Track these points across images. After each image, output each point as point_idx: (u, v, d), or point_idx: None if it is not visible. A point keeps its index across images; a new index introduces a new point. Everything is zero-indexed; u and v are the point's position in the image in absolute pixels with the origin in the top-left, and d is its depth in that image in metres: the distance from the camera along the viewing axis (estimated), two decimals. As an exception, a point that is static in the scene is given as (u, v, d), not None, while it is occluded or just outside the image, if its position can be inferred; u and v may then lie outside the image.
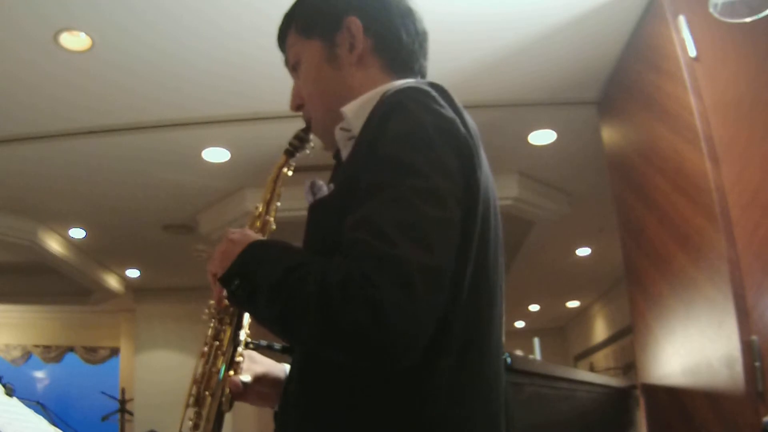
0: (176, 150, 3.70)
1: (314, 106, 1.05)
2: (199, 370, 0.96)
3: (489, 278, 0.88)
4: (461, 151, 0.83)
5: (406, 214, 0.74)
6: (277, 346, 1.03)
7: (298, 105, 1.08)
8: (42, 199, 4.34)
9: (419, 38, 1.06)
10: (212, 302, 0.99)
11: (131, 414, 6.17)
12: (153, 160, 3.79)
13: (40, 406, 4.64)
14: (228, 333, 0.97)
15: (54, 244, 4.99)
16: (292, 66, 1.08)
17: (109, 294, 6.27)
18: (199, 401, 0.93)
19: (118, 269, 6.16)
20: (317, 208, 0.90)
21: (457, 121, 0.86)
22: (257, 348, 1.02)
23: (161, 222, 4.81)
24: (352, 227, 0.76)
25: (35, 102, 3.13)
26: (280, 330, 0.81)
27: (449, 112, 0.86)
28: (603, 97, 3.21)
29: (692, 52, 2.18)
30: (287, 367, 1.03)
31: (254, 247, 0.86)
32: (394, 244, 0.71)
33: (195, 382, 0.95)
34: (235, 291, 0.84)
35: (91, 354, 7.87)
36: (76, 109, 3.21)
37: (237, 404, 1.09)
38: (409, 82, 0.94)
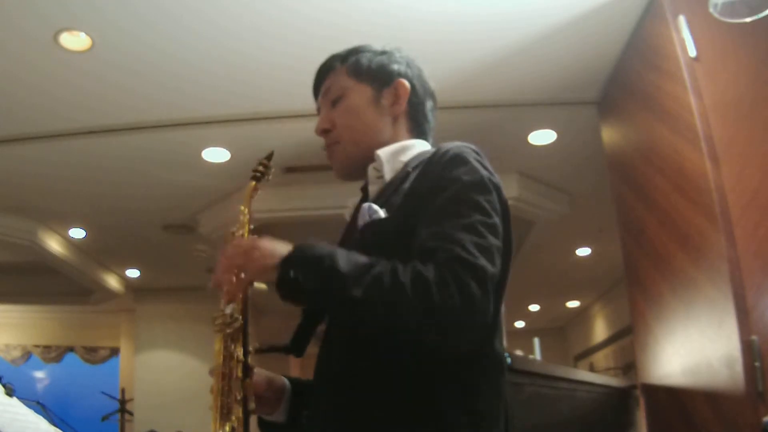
0: (176, 150, 3.71)
1: (349, 134, 1.21)
2: (221, 379, 1.02)
3: (502, 291, 1.05)
4: (503, 205, 1.05)
5: (478, 237, 0.94)
6: (282, 346, 1.11)
7: (324, 129, 1.22)
8: (42, 199, 4.34)
9: (434, 114, 1.29)
10: (220, 314, 1.05)
11: (131, 414, 6.17)
12: (153, 160, 3.79)
13: (40, 406, 4.64)
14: (239, 342, 1.03)
15: (54, 244, 4.99)
16: (334, 98, 1.23)
17: (109, 294, 6.27)
18: (227, 409, 1.00)
19: (118, 269, 6.16)
20: (373, 226, 1.04)
21: (499, 181, 1.07)
22: (266, 351, 1.10)
23: (161, 222, 4.82)
24: (432, 238, 0.94)
25: (35, 102, 3.13)
26: (361, 313, 0.92)
27: (492, 170, 1.08)
28: (603, 97, 3.21)
29: (692, 52, 2.18)
30: (284, 378, 1.16)
31: (307, 246, 0.97)
32: (473, 254, 0.91)
33: (221, 394, 1.01)
34: (295, 281, 0.93)
35: (91, 354, 7.87)
36: (76, 109, 3.21)
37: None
38: (457, 142, 1.11)
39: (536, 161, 3.97)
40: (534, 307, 8.02)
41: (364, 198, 1.21)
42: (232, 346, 1.03)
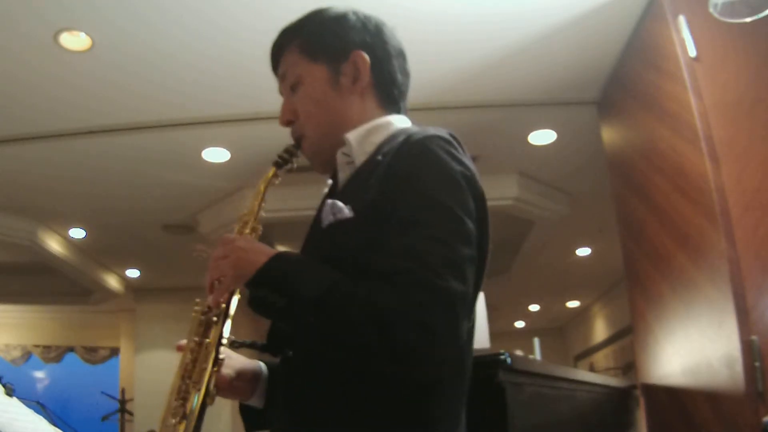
0: (176, 150, 3.71)
1: (311, 126, 1.11)
2: (183, 366, 1.00)
3: (475, 301, 0.99)
4: (477, 197, 0.95)
5: (447, 251, 0.85)
6: (259, 344, 1.08)
7: (288, 120, 1.14)
8: (42, 199, 4.34)
9: (407, 79, 1.17)
10: (200, 300, 1.04)
11: (131, 414, 6.17)
12: (153, 160, 3.79)
13: (40, 406, 4.65)
14: (216, 331, 1.00)
15: (54, 244, 4.99)
16: (291, 84, 1.13)
17: (109, 294, 6.27)
18: (184, 395, 0.97)
19: (118, 269, 6.16)
20: (337, 227, 0.96)
21: (473, 168, 0.97)
22: (241, 346, 1.07)
23: (161, 222, 4.82)
24: (396, 255, 0.85)
25: (35, 102, 3.13)
26: (322, 338, 0.88)
27: (468, 161, 0.97)
28: (603, 97, 3.21)
29: (692, 52, 2.18)
30: (261, 363, 1.13)
31: (281, 259, 0.92)
32: (441, 276, 0.82)
33: (183, 376, 0.99)
34: (264, 298, 0.89)
35: (91, 354, 7.87)
36: (76, 109, 3.21)
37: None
38: (429, 128, 1.02)
39: (536, 161, 3.97)
40: (534, 307, 8.02)
41: (334, 186, 1.12)
42: (208, 333, 1.01)
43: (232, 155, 3.77)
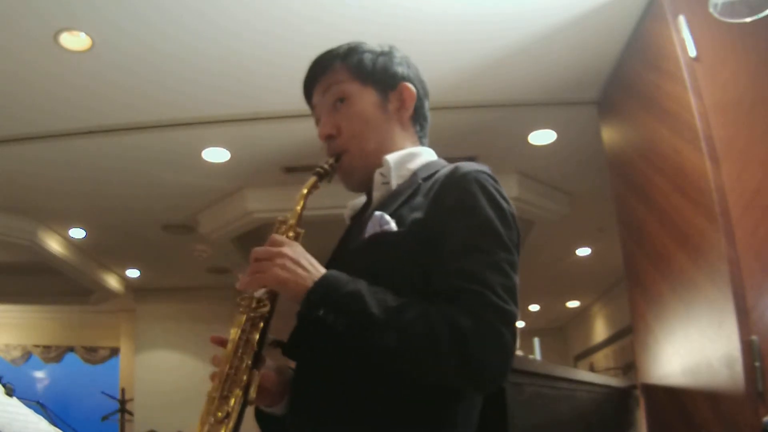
0: (176, 150, 3.71)
1: (357, 143, 1.15)
2: (227, 362, 0.97)
3: None
4: (518, 231, 1.03)
5: (506, 278, 0.93)
6: (283, 343, 1.06)
7: (330, 135, 1.16)
8: (42, 199, 4.34)
9: (429, 117, 1.25)
10: (247, 295, 1.01)
11: (131, 414, 6.17)
12: (153, 160, 3.79)
13: (40, 406, 4.64)
14: (258, 330, 0.98)
15: (54, 244, 4.99)
16: (336, 99, 1.16)
17: (109, 294, 6.27)
18: (226, 393, 0.94)
19: (118, 269, 6.16)
20: (383, 238, 1.00)
21: (512, 204, 1.05)
22: (278, 346, 1.05)
23: (161, 222, 4.82)
24: (457, 276, 0.92)
25: (35, 102, 3.13)
26: (392, 361, 0.91)
27: (507, 196, 1.05)
28: (603, 97, 3.21)
29: (692, 52, 2.18)
30: (289, 368, 1.09)
31: (334, 277, 0.94)
32: (506, 301, 0.91)
33: (227, 375, 0.96)
34: (320, 318, 0.91)
35: (91, 354, 7.87)
36: (76, 109, 3.21)
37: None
38: (472, 164, 1.07)
39: (536, 161, 3.97)
40: (534, 307, 8.02)
41: (368, 204, 1.16)
42: (250, 332, 0.98)
43: (232, 155, 3.77)
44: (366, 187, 1.16)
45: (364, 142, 1.14)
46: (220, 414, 0.91)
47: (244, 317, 0.99)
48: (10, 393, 1.18)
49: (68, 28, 2.60)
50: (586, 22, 2.67)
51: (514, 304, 0.92)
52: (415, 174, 1.10)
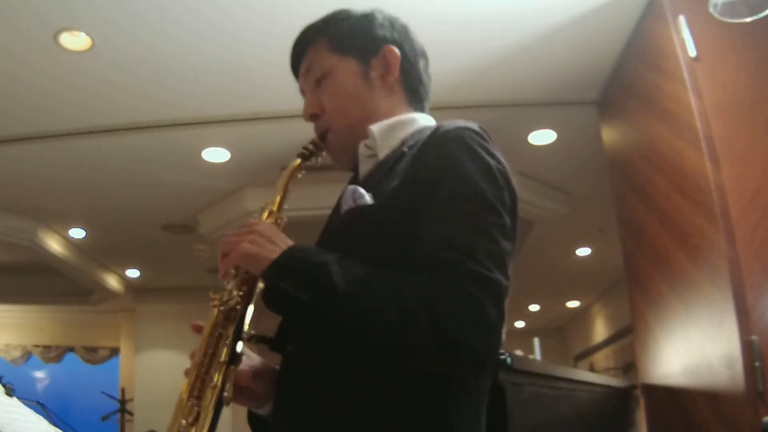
0: (176, 150, 3.71)
1: (340, 119, 1.08)
2: (198, 359, 0.91)
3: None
4: (511, 194, 0.93)
5: (492, 244, 0.83)
6: (269, 338, 0.99)
7: (313, 114, 1.11)
8: (42, 199, 4.34)
9: (430, 81, 1.17)
10: (221, 293, 0.95)
11: (131, 414, 6.17)
12: (153, 160, 3.79)
13: (40, 406, 4.65)
14: (233, 325, 0.92)
15: (54, 244, 4.99)
16: (318, 78, 1.10)
17: (109, 294, 6.27)
18: (199, 392, 0.89)
19: (118, 269, 6.16)
20: (359, 213, 0.93)
21: (506, 164, 0.95)
22: (260, 341, 0.97)
23: (161, 222, 4.81)
24: (435, 245, 0.83)
25: (35, 102, 3.13)
26: (356, 335, 0.83)
27: (501, 156, 0.95)
28: (603, 97, 3.21)
29: (692, 52, 2.18)
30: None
31: (301, 249, 0.88)
32: (488, 268, 0.80)
33: (197, 374, 0.90)
34: (284, 292, 0.85)
35: (91, 354, 7.87)
36: (76, 109, 3.21)
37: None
38: (458, 121, 0.99)
39: (536, 161, 3.97)
40: (534, 307, 8.02)
41: (354, 179, 1.09)
42: (224, 327, 0.92)
43: (232, 155, 3.77)
44: (355, 162, 1.08)
45: (347, 116, 1.07)
46: (190, 417, 0.86)
47: (216, 311, 0.93)
48: (10, 393, 1.18)
49: (68, 28, 2.60)
50: (586, 22, 2.67)
51: (500, 272, 0.81)
52: (403, 143, 1.01)
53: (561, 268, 6.16)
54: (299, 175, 1.10)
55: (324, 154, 1.11)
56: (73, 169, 3.86)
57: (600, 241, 5.29)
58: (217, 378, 0.87)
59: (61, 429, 1.31)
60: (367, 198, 0.93)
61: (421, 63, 1.13)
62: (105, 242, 5.26)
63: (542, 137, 3.68)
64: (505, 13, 2.63)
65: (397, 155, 0.98)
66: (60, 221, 4.80)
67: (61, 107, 3.18)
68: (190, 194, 4.31)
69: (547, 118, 3.52)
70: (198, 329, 0.96)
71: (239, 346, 0.91)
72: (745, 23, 1.75)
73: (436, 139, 0.94)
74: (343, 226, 0.96)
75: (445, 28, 2.67)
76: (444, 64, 2.87)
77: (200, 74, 2.97)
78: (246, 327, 0.93)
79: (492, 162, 0.91)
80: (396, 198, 0.90)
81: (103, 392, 6.22)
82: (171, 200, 4.41)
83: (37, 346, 7.73)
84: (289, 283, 0.85)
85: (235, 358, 0.90)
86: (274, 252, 0.87)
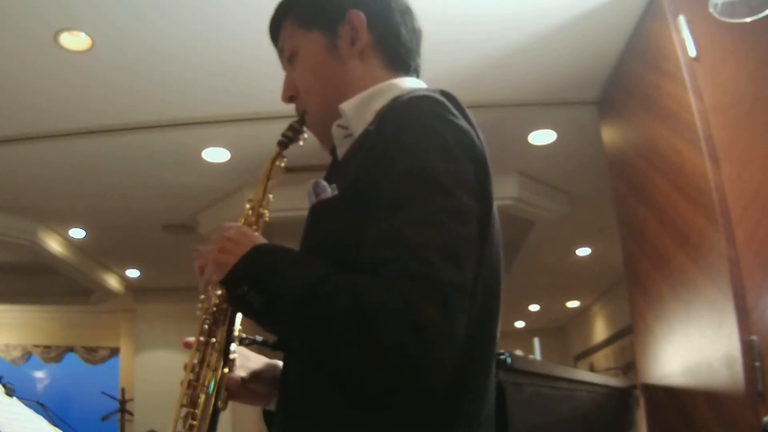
0: (176, 150, 3.71)
1: (311, 98, 1.02)
2: (191, 367, 0.91)
3: (496, 290, 0.88)
4: (478, 163, 0.83)
5: (438, 233, 0.73)
6: (270, 341, 0.97)
7: (290, 96, 1.06)
8: (42, 199, 4.34)
9: (416, 36, 1.07)
10: (204, 297, 0.95)
11: (131, 414, 6.17)
12: (153, 160, 3.79)
13: (40, 406, 4.65)
14: (223, 329, 0.92)
15: (54, 244, 4.99)
16: (288, 57, 1.06)
17: (109, 294, 6.27)
18: (193, 400, 0.88)
19: (118, 269, 6.16)
20: (320, 208, 0.88)
21: (472, 132, 0.86)
22: (252, 344, 0.98)
23: (161, 222, 4.82)
24: (381, 243, 0.74)
25: (35, 102, 3.13)
26: (303, 343, 0.79)
27: (464, 123, 0.86)
28: (603, 97, 3.21)
29: (692, 52, 2.18)
30: (281, 364, 1.00)
31: (261, 251, 0.83)
32: (431, 265, 0.71)
33: (190, 380, 0.90)
34: (242, 297, 0.80)
35: (91, 354, 7.87)
36: (76, 109, 3.21)
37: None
38: (419, 89, 0.93)
39: (536, 161, 3.97)
40: (534, 307, 8.02)
41: (333, 162, 1.01)
42: (215, 331, 0.91)
43: (232, 155, 3.77)
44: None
45: (318, 94, 1.01)
46: (187, 425, 0.86)
47: (202, 318, 0.93)
48: (10, 393, 1.17)
49: (68, 28, 2.60)
50: (586, 22, 2.67)
51: (451, 265, 0.71)
52: (377, 115, 0.90)
53: (561, 268, 6.17)
54: (282, 164, 1.05)
55: (305, 136, 1.05)
56: (73, 169, 3.86)
57: (600, 241, 5.29)
58: (210, 384, 0.87)
59: (61, 429, 1.30)
60: (329, 191, 0.86)
61: (399, 18, 1.03)
62: (105, 242, 5.26)
63: (542, 137, 3.68)
64: (505, 13, 2.63)
65: (364, 134, 0.90)
66: (60, 221, 4.80)
67: (61, 107, 3.18)
68: (190, 194, 4.31)
69: (547, 118, 3.52)
70: (189, 346, 0.95)
71: (231, 350, 0.91)
72: (745, 23, 1.75)
73: (390, 114, 0.85)
74: (310, 224, 0.91)
75: (445, 28, 2.67)
76: (444, 64, 2.87)
77: (200, 74, 2.97)
78: (237, 331, 0.92)
79: (449, 133, 0.81)
80: (353, 189, 0.83)
81: (103, 392, 6.22)
82: (171, 200, 4.41)
83: (37, 346, 7.73)
84: (248, 290, 0.80)
85: (226, 362, 0.89)
86: (237, 258, 0.83)
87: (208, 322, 0.93)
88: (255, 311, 0.80)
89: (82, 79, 2.96)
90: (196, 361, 0.91)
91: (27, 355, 7.72)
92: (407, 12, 1.06)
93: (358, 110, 0.95)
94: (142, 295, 6.67)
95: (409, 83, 1.00)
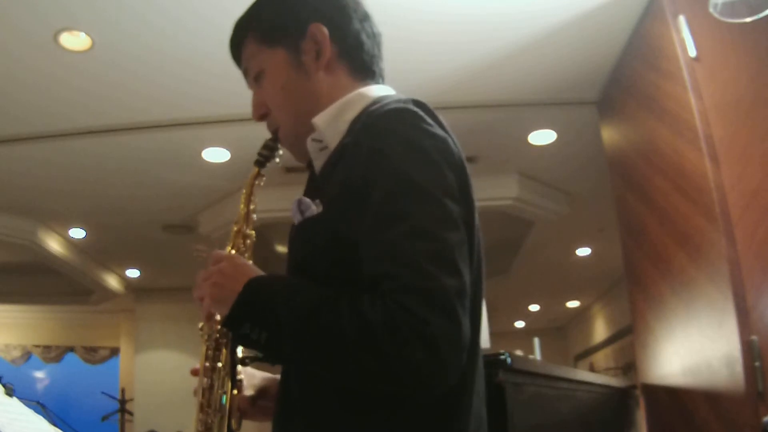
0: (176, 150, 3.71)
1: (283, 116, 1.03)
2: (201, 393, 0.94)
3: (479, 293, 0.90)
4: (457, 169, 0.85)
5: (433, 244, 0.76)
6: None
7: (261, 115, 1.07)
8: (42, 199, 4.34)
9: (377, 41, 1.08)
10: (203, 324, 0.97)
11: (131, 414, 6.17)
12: (153, 160, 3.79)
13: (40, 406, 4.64)
14: (226, 351, 0.95)
15: (54, 244, 4.99)
16: (254, 77, 1.06)
17: (109, 294, 6.27)
18: (207, 426, 0.91)
19: (118, 269, 6.16)
20: (307, 226, 0.89)
21: (449, 138, 0.88)
22: (254, 361, 0.99)
23: (161, 222, 4.82)
24: (377, 259, 0.77)
25: (35, 102, 3.13)
26: (315, 368, 0.81)
27: (440, 131, 0.87)
28: (603, 97, 3.21)
29: (692, 52, 2.18)
30: None
31: (256, 286, 0.85)
32: (429, 276, 0.73)
33: (202, 404, 0.93)
34: (247, 335, 0.82)
35: (91, 354, 7.87)
36: (76, 109, 3.21)
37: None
38: (388, 96, 0.94)
39: (536, 161, 3.97)
40: (534, 307, 8.02)
41: (311, 176, 1.01)
42: (218, 355, 0.94)
43: (232, 155, 3.77)
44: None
45: (289, 112, 1.02)
46: None
47: (205, 345, 0.96)
48: (10, 393, 1.18)
49: (68, 28, 2.60)
50: (586, 22, 2.67)
51: (447, 273, 0.74)
52: (351, 126, 0.93)
53: (561, 268, 6.16)
54: (260, 184, 1.06)
55: (281, 152, 1.07)
56: (73, 169, 3.86)
57: (600, 241, 5.29)
58: (222, 407, 0.91)
59: (61, 429, 1.31)
60: (313, 208, 0.88)
61: (358, 25, 1.03)
62: (105, 242, 5.26)
63: (542, 137, 3.68)
64: (505, 13, 2.63)
65: (341, 147, 0.92)
66: (60, 221, 4.80)
67: (61, 107, 3.18)
68: (190, 194, 4.31)
69: (547, 118, 3.52)
70: (196, 373, 0.98)
71: (238, 371, 0.94)
72: (745, 23, 1.75)
73: (367, 130, 0.86)
74: (295, 244, 0.93)
75: (444, 28, 2.66)
76: (444, 64, 2.87)
77: (200, 74, 2.97)
78: (240, 353, 0.95)
79: (428, 143, 0.83)
80: (334, 207, 0.85)
81: (103, 392, 6.23)
82: (171, 200, 4.41)
83: (37, 346, 7.73)
84: (251, 327, 0.82)
85: (234, 384, 0.92)
86: (234, 294, 0.84)
87: (211, 347, 0.96)
88: (261, 346, 0.82)
89: (82, 79, 2.96)
90: (205, 386, 0.94)
91: (27, 355, 7.72)
92: (366, 18, 1.07)
93: (331, 122, 0.96)
94: (142, 295, 6.67)
95: (377, 91, 1.00)
